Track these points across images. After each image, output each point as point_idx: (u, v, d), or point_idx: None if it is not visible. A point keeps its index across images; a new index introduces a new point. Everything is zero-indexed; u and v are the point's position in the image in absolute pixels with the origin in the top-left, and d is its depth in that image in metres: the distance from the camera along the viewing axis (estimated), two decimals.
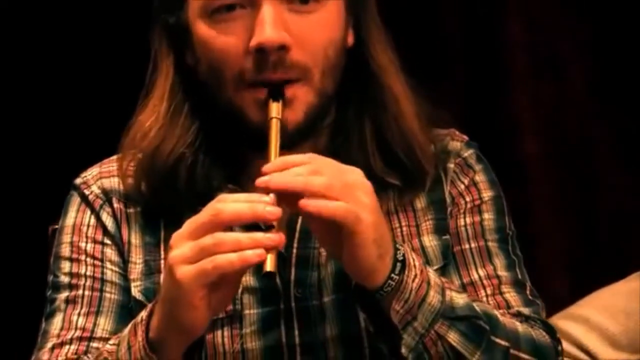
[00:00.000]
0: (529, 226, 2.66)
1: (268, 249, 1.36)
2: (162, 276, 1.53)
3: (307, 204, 1.38)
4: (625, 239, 2.71)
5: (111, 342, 1.52)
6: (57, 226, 1.71)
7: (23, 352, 1.73)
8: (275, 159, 1.45)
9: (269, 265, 1.36)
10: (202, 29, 1.56)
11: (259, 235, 1.37)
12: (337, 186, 1.39)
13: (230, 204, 1.39)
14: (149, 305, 1.46)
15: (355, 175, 1.42)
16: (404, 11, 2.62)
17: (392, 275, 1.42)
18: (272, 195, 1.39)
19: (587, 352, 1.98)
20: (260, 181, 1.40)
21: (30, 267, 2.02)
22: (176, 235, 1.40)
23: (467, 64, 2.75)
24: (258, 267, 1.56)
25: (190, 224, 1.39)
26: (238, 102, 1.55)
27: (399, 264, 1.43)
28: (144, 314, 1.46)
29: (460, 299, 1.48)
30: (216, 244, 1.36)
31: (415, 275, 1.44)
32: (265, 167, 1.41)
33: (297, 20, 1.54)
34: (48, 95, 2.73)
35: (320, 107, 1.58)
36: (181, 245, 1.38)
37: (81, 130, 2.70)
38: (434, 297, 1.45)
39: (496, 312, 1.54)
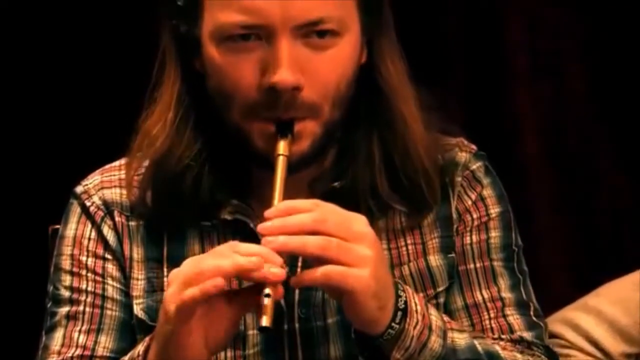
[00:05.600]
0: (529, 226, 2.66)
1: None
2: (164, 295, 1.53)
3: (301, 279, 1.39)
4: (625, 238, 2.71)
5: None
6: (57, 226, 1.70)
7: (23, 351, 1.73)
8: (280, 202, 1.43)
9: (265, 320, 1.34)
10: (215, 53, 1.52)
11: (241, 260, 1.35)
12: (334, 245, 1.37)
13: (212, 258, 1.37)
14: (146, 340, 1.45)
15: (359, 224, 1.40)
16: (404, 11, 2.62)
17: (393, 324, 1.42)
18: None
19: (596, 344, 1.92)
20: (261, 228, 1.38)
21: (30, 267, 2.01)
22: (172, 273, 1.39)
23: (467, 64, 2.75)
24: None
25: (188, 265, 1.38)
26: (246, 129, 1.52)
27: (399, 313, 1.42)
28: (141, 348, 1.45)
29: (462, 340, 1.48)
30: (198, 273, 1.35)
31: (417, 322, 1.43)
32: (268, 212, 1.39)
33: (313, 57, 1.50)
34: (49, 95, 2.73)
35: (327, 135, 1.55)
36: (173, 283, 1.38)
37: (81, 131, 2.69)
38: (435, 342, 1.45)
39: (497, 348, 1.53)
